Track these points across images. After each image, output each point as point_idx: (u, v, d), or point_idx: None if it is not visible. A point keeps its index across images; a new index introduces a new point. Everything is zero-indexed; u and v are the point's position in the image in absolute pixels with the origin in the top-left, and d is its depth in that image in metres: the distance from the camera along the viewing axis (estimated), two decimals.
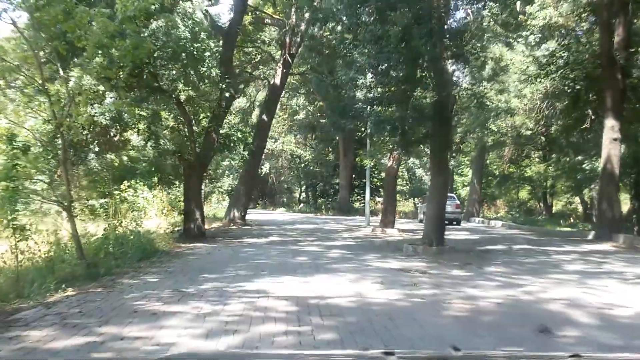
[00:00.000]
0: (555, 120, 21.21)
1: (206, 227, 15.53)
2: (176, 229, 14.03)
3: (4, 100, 9.31)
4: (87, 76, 8.34)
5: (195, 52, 11.58)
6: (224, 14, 35.56)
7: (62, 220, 8.71)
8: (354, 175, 34.76)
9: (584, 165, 18.46)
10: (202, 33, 12.08)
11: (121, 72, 9.69)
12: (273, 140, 37.67)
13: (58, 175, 10.32)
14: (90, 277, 7.07)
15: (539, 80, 18.17)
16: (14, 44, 10.53)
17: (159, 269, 8.47)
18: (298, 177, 42.40)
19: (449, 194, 17.33)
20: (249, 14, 20.68)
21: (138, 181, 13.91)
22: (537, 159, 28.79)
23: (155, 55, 10.94)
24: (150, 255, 9.61)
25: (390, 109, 12.25)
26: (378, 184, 32.40)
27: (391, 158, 17.98)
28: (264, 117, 22.12)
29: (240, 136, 16.17)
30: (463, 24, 11.94)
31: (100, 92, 10.84)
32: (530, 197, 31.29)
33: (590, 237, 15.71)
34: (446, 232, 12.28)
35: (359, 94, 12.63)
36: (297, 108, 36.86)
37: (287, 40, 21.02)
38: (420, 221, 22.22)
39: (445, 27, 11.26)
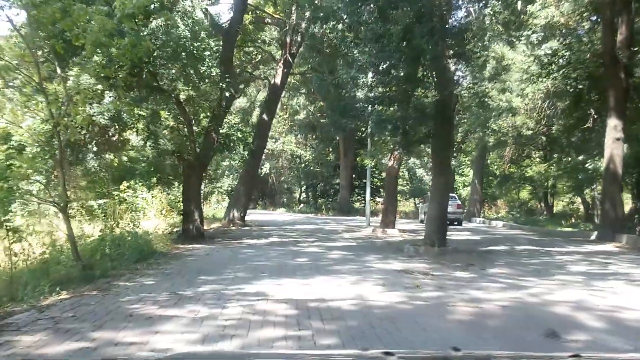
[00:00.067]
0: (557, 120, 21.10)
1: (205, 227, 15.43)
2: (175, 229, 13.92)
3: (1, 100, 9.21)
4: (85, 75, 8.25)
5: (195, 52, 11.49)
6: (224, 13, 35.42)
7: (59, 222, 8.58)
8: (354, 176, 34.65)
9: (586, 165, 18.33)
10: (202, 32, 11.99)
11: (120, 71, 9.60)
12: (273, 140, 37.57)
13: (55, 175, 10.20)
14: (86, 279, 6.94)
15: (540, 79, 18.08)
16: (11, 42, 10.41)
17: (156, 270, 8.33)
18: (298, 178, 42.27)
19: (450, 194, 17.21)
20: (249, 13, 20.59)
21: (137, 181, 13.80)
22: (538, 159, 28.67)
23: (154, 54, 10.83)
24: (148, 257, 9.47)
25: (391, 109, 12.15)
26: (379, 184, 32.31)
27: (392, 158, 17.87)
28: (264, 117, 22.04)
29: (240, 136, 16.11)
30: (465, 22, 11.86)
31: (99, 91, 10.71)
32: (531, 197, 31.19)
33: (592, 237, 15.61)
34: (448, 233, 12.17)
35: (360, 94, 12.50)
36: (298, 108, 36.74)
37: (288, 39, 20.96)
38: (421, 221, 22.11)
39: (447, 25, 11.16)
